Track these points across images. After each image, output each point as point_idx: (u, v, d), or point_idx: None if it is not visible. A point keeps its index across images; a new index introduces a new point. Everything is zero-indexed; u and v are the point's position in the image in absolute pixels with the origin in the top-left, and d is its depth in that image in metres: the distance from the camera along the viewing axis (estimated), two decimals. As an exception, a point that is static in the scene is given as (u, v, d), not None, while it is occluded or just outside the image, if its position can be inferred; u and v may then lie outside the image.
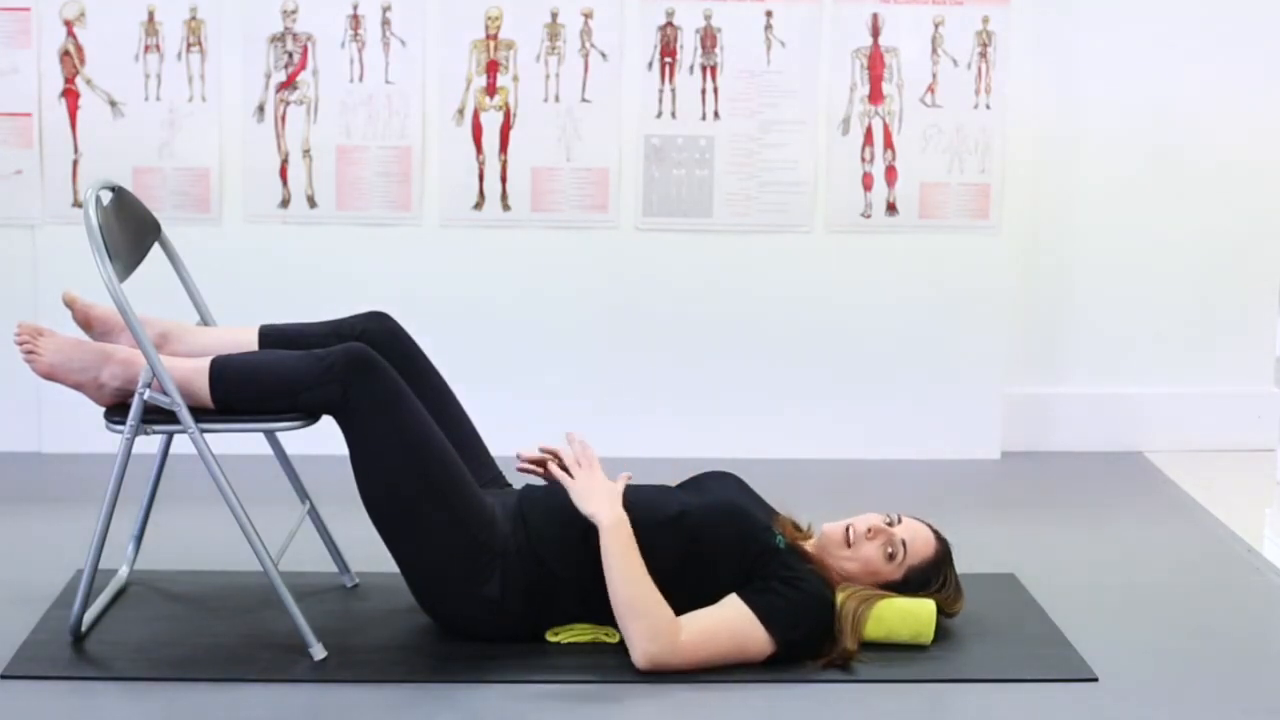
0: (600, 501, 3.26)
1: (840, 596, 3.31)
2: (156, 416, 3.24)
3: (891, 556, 3.37)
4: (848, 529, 3.38)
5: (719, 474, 3.59)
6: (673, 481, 3.55)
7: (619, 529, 3.23)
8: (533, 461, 3.42)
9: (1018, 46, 4.77)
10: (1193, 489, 4.63)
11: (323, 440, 3.49)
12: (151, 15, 4.65)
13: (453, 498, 3.27)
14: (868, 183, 4.80)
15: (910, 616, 3.35)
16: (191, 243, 3.86)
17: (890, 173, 4.79)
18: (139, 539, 3.66)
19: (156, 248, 3.55)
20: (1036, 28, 4.81)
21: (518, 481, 3.54)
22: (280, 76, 4.68)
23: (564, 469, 3.34)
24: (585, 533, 3.30)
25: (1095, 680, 3.26)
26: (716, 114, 4.75)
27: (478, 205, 4.75)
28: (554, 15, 4.70)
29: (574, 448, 3.37)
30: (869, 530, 3.37)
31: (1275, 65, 4.92)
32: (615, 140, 4.74)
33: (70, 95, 4.65)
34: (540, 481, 3.46)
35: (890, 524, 3.40)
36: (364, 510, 3.30)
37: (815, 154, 4.78)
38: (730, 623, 3.23)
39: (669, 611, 3.21)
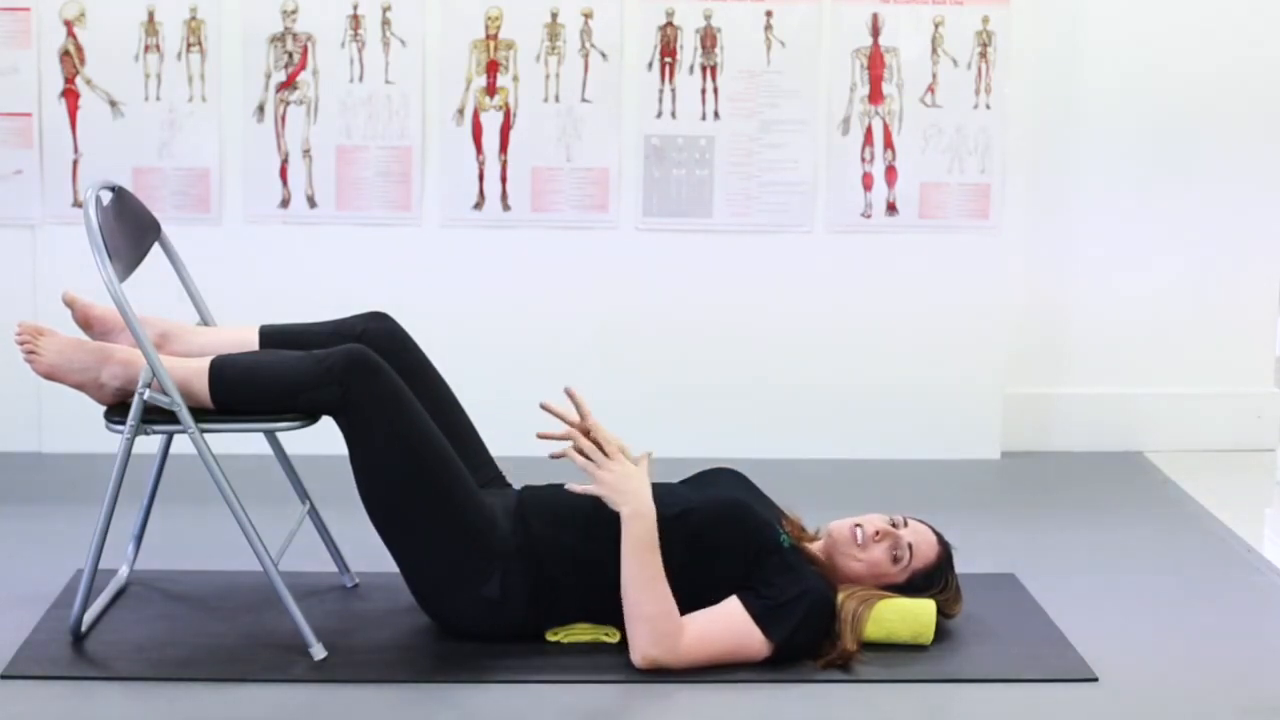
0: (629, 496, 3.22)
1: (840, 596, 3.32)
2: (156, 416, 3.25)
3: (898, 560, 3.37)
4: (856, 529, 3.38)
5: (723, 470, 3.60)
6: (674, 481, 3.55)
7: (640, 521, 3.21)
8: (559, 452, 3.30)
9: (1018, 46, 4.77)
10: (1193, 489, 4.63)
11: (323, 440, 3.49)
12: (151, 15, 4.64)
13: (452, 498, 3.27)
14: (868, 183, 4.79)
15: (910, 617, 3.35)
16: (191, 243, 3.86)
17: (890, 173, 4.79)
18: (139, 539, 3.66)
19: (156, 248, 3.55)
20: (1036, 28, 4.81)
21: (517, 481, 3.55)
22: (280, 76, 4.68)
23: (586, 455, 3.26)
24: (585, 532, 3.30)
25: (1095, 680, 3.26)
26: (716, 114, 4.75)
27: (478, 205, 4.75)
28: (554, 15, 4.70)
29: (595, 434, 3.30)
30: (877, 533, 3.37)
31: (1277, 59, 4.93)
32: (615, 140, 4.74)
33: (70, 95, 4.65)
34: (541, 480, 3.46)
35: (896, 526, 3.40)
36: (364, 510, 3.30)
37: (815, 154, 4.78)
38: (728, 626, 3.22)
39: (676, 616, 3.20)
